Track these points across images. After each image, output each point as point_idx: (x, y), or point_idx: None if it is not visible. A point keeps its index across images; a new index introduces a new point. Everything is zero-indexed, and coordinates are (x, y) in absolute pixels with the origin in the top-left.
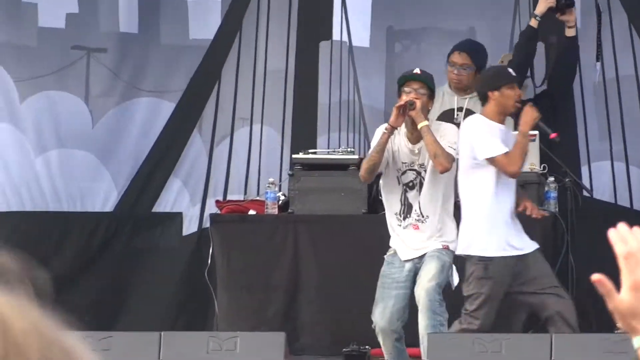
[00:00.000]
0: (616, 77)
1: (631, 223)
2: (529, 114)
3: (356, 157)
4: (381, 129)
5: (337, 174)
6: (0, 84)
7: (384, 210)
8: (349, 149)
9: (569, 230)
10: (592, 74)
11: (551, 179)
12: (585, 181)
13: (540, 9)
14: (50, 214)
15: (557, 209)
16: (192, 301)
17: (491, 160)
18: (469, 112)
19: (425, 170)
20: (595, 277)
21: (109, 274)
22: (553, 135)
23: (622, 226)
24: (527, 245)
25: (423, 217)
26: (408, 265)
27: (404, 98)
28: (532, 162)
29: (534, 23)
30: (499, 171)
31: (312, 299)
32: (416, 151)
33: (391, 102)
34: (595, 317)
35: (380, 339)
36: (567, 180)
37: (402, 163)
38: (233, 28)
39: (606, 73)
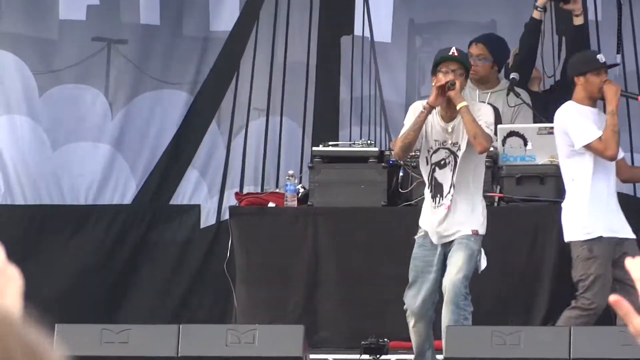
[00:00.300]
0: (636, 69)
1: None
2: (610, 91)
3: (376, 149)
4: (417, 107)
5: (357, 166)
6: (20, 77)
7: (403, 202)
8: (369, 141)
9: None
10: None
11: None
12: None
13: (541, 1)
14: (68, 207)
15: None
16: (211, 294)
17: (587, 147)
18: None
19: (459, 149)
20: (613, 298)
21: (128, 267)
22: None
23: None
24: (626, 231)
25: (460, 197)
26: (440, 249)
27: (442, 78)
28: (552, 155)
29: (536, 14)
30: (596, 156)
31: (331, 292)
32: (449, 130)
33: (412, 96)
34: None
35: (410, 322)
36: None
37: (435, 141)
38: (251, 20)
39: (627, 65)
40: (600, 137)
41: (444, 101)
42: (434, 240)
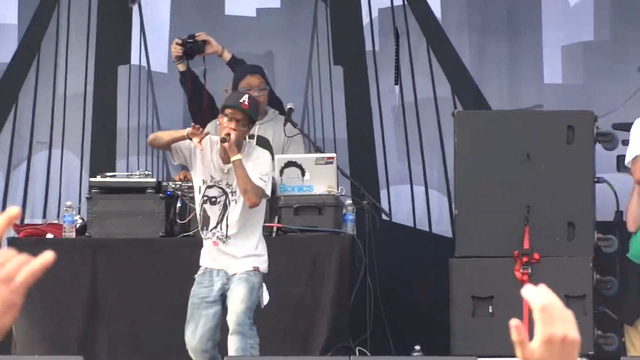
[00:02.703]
0: (415, 100)
1: (429, 246)
2: None
3: (154, 180)
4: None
5: (135, 197)
6: None
7: (181, 233)
8: (146, 172)
9: (367, 252)
10: (391, 96)
11: (349, 201)
12: (385, 204)
13: (181, 67)
14: None
15: (355, 231)
16: None
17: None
18: (260, 139)
19: (232, 192)
20: (514, 322)
21: None
22: None
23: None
24: None
25: (226, 236)
26: (217, 285)
27: (224, 126)
28: (330, 184)
29: (181, 67)
30: None
31: (111, 323)
32: (225, 171)
33: (189, 126)
34: (394, 339)
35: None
36: (365, 202)
37: (211, 177)
38: (31, 51)
39: (405, 96)
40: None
41: (222, 147)
42: (213, 275)
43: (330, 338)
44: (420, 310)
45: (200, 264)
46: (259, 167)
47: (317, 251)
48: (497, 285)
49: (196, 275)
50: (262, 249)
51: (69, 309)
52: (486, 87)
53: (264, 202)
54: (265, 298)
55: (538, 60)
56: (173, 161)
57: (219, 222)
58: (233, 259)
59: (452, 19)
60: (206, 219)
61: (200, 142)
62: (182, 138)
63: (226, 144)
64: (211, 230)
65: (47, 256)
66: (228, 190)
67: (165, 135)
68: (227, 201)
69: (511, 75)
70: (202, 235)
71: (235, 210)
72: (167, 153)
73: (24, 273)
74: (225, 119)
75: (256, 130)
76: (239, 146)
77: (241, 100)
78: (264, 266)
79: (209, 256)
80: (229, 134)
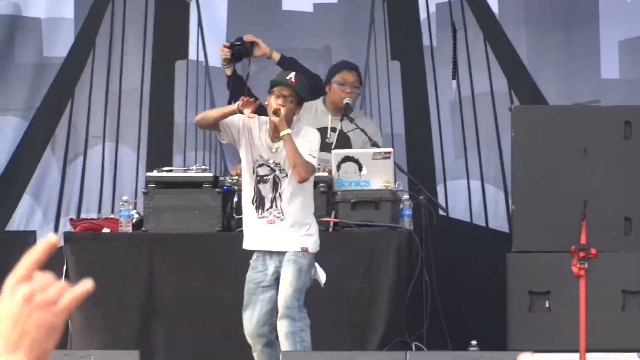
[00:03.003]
0: (472, 95)
1: (485, 241)
2: None
3: (211, 175)
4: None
5: (191, 191)
6: None
7: (238, 228)
8: (203, 167)
9: (424, 247)
10: (448, 91)
11: (406, 196)
12: (442, 200)
13: (223, 62)
14: None
15: (412, 227)
16: None
17: None
18: (342, 134)
19: (280, 170)
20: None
21: None
22: None
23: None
24: None
25: (282, 214)
26: (271, 269)
27: (271, 102)
28: (387, 179)
29: (228, 71)
30: None
31: (167, 317)
32: (274, 150)
33: None
34: (450, 334)
35: (252, 346)
36: (421, 197)
37: (260, 156)
38: (86, 46)
39: (462, 91)
40: None
41: (272, 123)
42: (266, 259)
43: (387, 333)
44: (476, 305)
45: (249, 247)
46: (308, 143)
47: (374, 246)
48: (554, 280)
49: (251, 261)
50: (314, 229)
51: (125, 303)
52: (543, 81)
53: (312, 184)
54: (322, 277)
55: (595, 55)
56: (221, 140)
57: (273, 200)
58: (285, 237)
59: (509, 14)
60: (261, 199)
61: (252, 112)
62: (232, 112)
63: (276, 118)
64: (267, 209)
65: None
66: (276, 169)
67: (214, 112)
68: (277, 179)
69: (568, 70)
70: (256, 216)
71: (286, 188)
72: (224, 147)
73: (67, 298)
74: (272, 97)
75: (339, 124)
76: (288, 122)
77: (288, 77)
78: (313, 246)
79: (260, 237)
80: (278, 109)
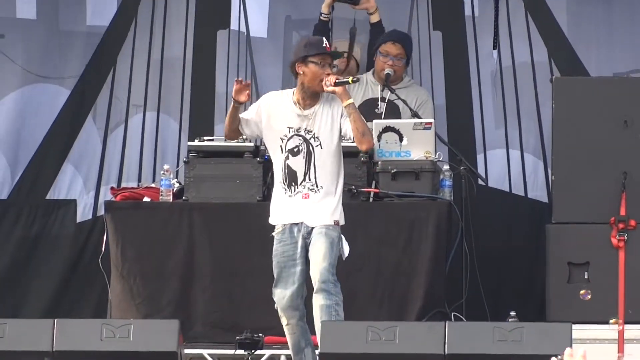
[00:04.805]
0: (512, 65)
1: (524, 211)
2: None
3: (252, 144)
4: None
5: (232, 161)
6: None
7: None
8: (244, 137)
9: (464, 218)
10: (489, 61)
11: (446, 167)
12: (481, 169)
13: (325, 7)
14: None
15: (452, 197)
16: (86, 289)
17: None
18: (390, 103)
19: (314, 137)
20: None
21: (4, 262)
22: None
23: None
24: None
25: (317, 185)
26: (300, 241)
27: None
28: (428, 150)
29: (325, 9)
30: None
31: (206, 287)
32: (308, 116)
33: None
34: (489, 305)
35: (282, 320)
36: (462, 168)
37: (288, 128)
38: (129, 15)
39: (503, 61)
40: None
41: (308, 88)
42: (294, 232)
43: (426, 303)
44: (516, 276)
45: (275, 222)
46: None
47: (414, 217)
48: (593, 251)
49: (274, 234)
50: (339, 198)
51: (165, 272)
52: (583, 51)
53: (340, 155)
54: (346, 250)
55: (636, 25)
56: (246, 135)
57: (307, 172)
58: (318, 210)
59: None
60: (292, 174)
61: (247, 94)
62: (235, 107)
63: (339, 89)
64: (301, 183)
65: None
66: (308, 137)
67: (226, 122)
68: (310, 147)
69: (608, 40)
70: (289, 194)
71: (320, 157)
72: None
73: None
74: (316, 68)
75: (388, 94)
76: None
77: (324, 45)
78: (342, 219)
79: (290, 211)
80: (358, 78)
